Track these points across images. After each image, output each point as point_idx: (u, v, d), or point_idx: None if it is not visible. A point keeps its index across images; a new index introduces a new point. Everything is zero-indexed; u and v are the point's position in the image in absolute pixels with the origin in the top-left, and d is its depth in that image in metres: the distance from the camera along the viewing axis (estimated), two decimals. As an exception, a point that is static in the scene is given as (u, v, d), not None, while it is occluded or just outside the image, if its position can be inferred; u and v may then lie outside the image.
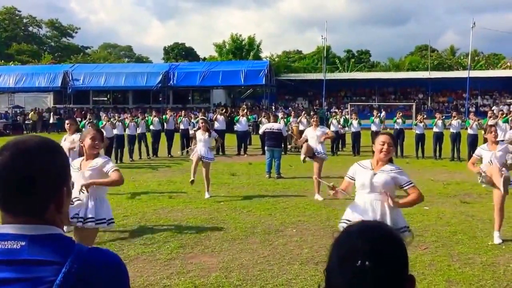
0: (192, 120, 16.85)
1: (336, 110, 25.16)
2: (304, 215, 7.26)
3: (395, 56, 53.38)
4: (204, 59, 52.33)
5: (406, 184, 3.84)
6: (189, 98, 37.19)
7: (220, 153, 16.31)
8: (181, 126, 16.50)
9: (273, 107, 31.43)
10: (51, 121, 29.25)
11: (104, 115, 22.52)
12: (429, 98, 39.60)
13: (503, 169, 5.73)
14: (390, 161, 3.94)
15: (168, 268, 4.96)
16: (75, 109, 32.06)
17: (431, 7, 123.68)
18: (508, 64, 44.86)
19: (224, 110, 19.62)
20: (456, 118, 14.83)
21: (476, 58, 44.97)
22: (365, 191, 3.84)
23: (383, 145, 3.84)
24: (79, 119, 18.72)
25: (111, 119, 14.90)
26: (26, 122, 30.12)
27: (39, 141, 1.18)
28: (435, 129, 14.89)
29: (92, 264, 1.09)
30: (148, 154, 15.20)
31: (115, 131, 14.02)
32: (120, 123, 14.53)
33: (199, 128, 9.34)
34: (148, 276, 4.73)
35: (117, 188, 7.59)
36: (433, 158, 14.72)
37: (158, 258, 5.24)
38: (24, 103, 34.91)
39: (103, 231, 6.35)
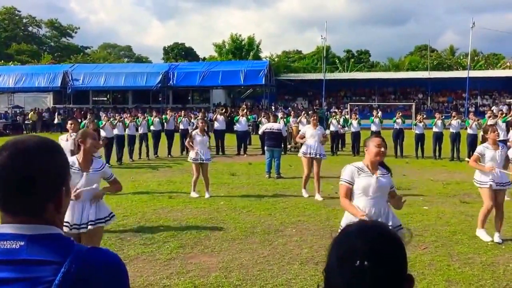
0: (192, 120, 16.86)
1: (336, 110, 25.16)
2: (304, 215, 7.26)
3: (394, 56, 53.46)
4: (204, 59, 52.33)
5: (392, 187, 3.98)
6: (189, 98, 37.20)
7: (220, 153, 16.33)
8: (181, 126, 16.51)
9: (273, 107, 31.42)
10: (55, 121, 29.19)
11: (104, 115, 22.53)
12: (429, 98, 39.62)
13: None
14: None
15: (168, 268, 4.96)
16: (75, 109, 32.06)
17: (431, 7, 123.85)
18: (508, 64, 44.89)
19: (224, 110, 19.62)
20: (455, 118, 14.83)
21: (475, 58, 44.99)
22: (368, 196, 3.80)
23: (380, 147, 3.82)
24: (79, 119, 18.71)
25: (111, 119, 14.89)
26: (26, 122, 30.12)
27: (38, 141, 1.18)
28: (435, 129, 14.89)
29: (92, 264, 1.09)
30: (147, 155, 15.19)
31: (115, 131, 14.02)
32: (121, 123, 14.54)
33: (196, 128, 9.29)
34: (148, 276, 4.73)
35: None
36: (432, 158, 14.72)
37: (158, 258, 5.25)
38: (23, 103, 34.91)
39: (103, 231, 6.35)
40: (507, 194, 8.50)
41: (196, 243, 5.83)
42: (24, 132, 28.14)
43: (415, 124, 15.59)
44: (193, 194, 8.80)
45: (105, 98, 38.51)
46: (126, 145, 14.63)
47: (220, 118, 16.86)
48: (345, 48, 58.70)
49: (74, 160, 4.08)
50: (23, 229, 1.11)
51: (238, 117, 16.98)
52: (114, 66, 36.08)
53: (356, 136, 16.12)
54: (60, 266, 1.06)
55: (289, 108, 30.13)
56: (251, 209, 7.66)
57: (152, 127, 15.79)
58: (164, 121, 16.52)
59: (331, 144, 16.45)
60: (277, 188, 9.77)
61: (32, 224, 1.12)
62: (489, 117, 14.06)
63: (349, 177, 3.83)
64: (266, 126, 11.96)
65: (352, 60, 51.28)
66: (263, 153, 12.61)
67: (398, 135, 15.61)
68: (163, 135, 16.21)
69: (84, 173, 4.10)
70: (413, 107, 31.67)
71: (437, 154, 14.82)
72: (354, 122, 16.28)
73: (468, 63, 34.66)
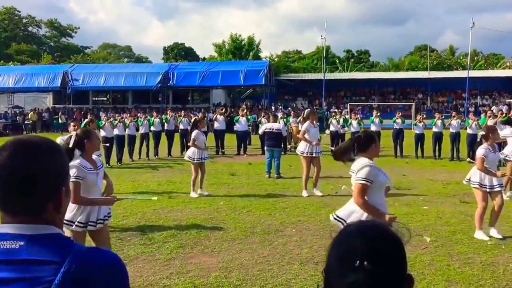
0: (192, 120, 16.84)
1: (336, 110, 25.15)
2: (304, 215, 7.26)
3: (394, 56, 53.48)
4: (204, 59, 52.35)
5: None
6: (189, 98, 37.19)
7: (220, 153, 16.33)
8: (181, 126, 16.50)
9: (273, 107, 31.43)
10: (60, 121, 29.11)
11: (104, 115, 22.52)
12: (429, 98, 39.62)
13: None
14: None
15: (167, 268, 4.96)
16: (75, 109, 32.05)
17: (431, 7, 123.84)
18: (508, 64, 44.88)
19: (223, 110, 19.62)
20: (455, 118, 14.83)
21: (475, 58, 45.00)
22: (383, 192, 3.92)
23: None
24: (80, 119, 18.70)
25: (111, 119, 14.89)
26: (26, 122, 30.11)
27: (38, 141, 1.18)
28: (435, 129, 14.89)
29: (91, 264, 1.09)
30: (147, 155, 15.18)
31: (115, 131, 14.02)
32: (121, 123, 14.54)
33: (194, 126, 9.22)
34: (148, 276, 4.74)
35: (117, 188, 7.58)
36: (432, 158, 14.72)
37: (158, 258, 5.25)
38: (23, 103, 34.89)
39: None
40: (508, 193, 8.57)
41: (196, 243, 5.84)
42: (24, 132, 28.13)
43: (415, 124, 15.59)
44: (193, 194, 8.81)
45: (105, 98, 38.50)
46: (126, 145, 14.63)
47: (220, 118, 16.87)
48: (345, 48, 58.83)
49: (83, 162, 3.98)
50: (23, 229, 1.11)
51: (238, 117, 16.99)
52: (114, 66, 36.08)
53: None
54: (60, 266, 1.06)
55: (289, 108, 30.14)
56: (251, 209, 7.66)
57: (152, 127, 15.79)
58: (164, 121, 16.52)
59: (331, 144, 16.44)
60: (277, 188, 9.77)
61: (32, 224, 1.12)
62: (489, 117, 14.06)
63: (373, 177, 3.79)
64: (266, 126, 11.96)
65: (352, 60, 51.29)
66: (263, 153, 12.61)
67: (398, 135, 15.61)
68: (163, 135, 16.21)
69: (98, 172, 4.12)
70: (413, 107, 31.67)
71: (437, 154, 14.82)
72: (354, 122, 16.29)
73: (468, 63, 34.66)
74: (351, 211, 3.93)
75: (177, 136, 16.46)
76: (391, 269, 1.04)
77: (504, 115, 14.37)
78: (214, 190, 9.42)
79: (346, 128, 17.33)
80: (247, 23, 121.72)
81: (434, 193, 9.10)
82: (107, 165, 12.66)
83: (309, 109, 10.44)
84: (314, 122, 9.58)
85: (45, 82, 31.80)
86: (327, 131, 17.58)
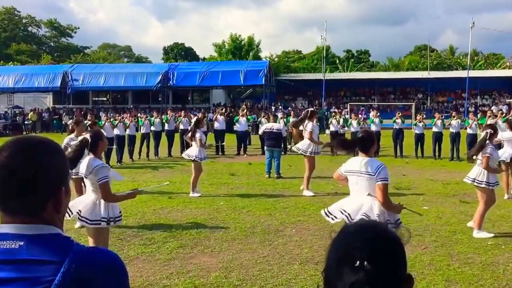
0: (192, 120, 16.82)
1: (336, 110, 25.16)
2: (304, 215, 7.26)
3: (394, 56, 53.42)
4: (204, 59, 52.35)
5: None
6: (189, 98, 37.18)
7: (220, 153, 16.32)
8: (181, 126, 16.50)
9: (273, 107, 31.43)
10: (63, 121, 28.97)
11: (104, 115, 22.51)
12: (429, 98, 39.61)
13: None
14: None
15: (168, 268, 4.96)
16: (75, 109, 32.05)
17: (431, 7, 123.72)
18: (507, 64, 44.85)
19: (223, 110, 19.63)
20: (455, 118, 14.83)
21: (475, 58, 44.99)
22: None
23: None
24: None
25: (111, 119, 14.89)
26: (26, 122, 30.10)
27: (38, 141, 1.18)
28: (435, 129, 14.89)
29: (92, 264, 1.09)
30: (147, 155, 15.18)
31: (115, 131, 14.02)
32: (121, 123, 14.54)
33: (196, 125, 9.26)
34: (148, 276, 4.74)
35: (116, 188, 7.60)
36: (432, 158, 14.72)
37: (158, 258, 5.25)
38: (23, 103, 34.88)
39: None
40: (506, 196, 8.60)
41: (196, 243, 5.84)
42: (24, 132, 28.12)
43: (415, 124, 15.59)
44: (195, 194, 8.83)
45: (105, 98, 38.49)
46: (126, 145, 14.63)
47: (220, 118, 16.87)
48: (345, 48, 58.83)
49: (99, 161, 4.21)
50: (23, 229, 1.11)
51: (238, 117, 16.99)
52: (114, 66, 36.06)
53: (356, 136, 16.11)
54: (59, 266, 1.06)
55: (289, 108, 30.14)
56: (251, 209, 7.66)
57: (152, 128, 15.80)
58: (165, 121, 16.52)
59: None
60: (277, 188, 9.77)
61: (31, 224, 1.12)
62: (489, 117, 14.06)
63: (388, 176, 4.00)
64: (266, 126, 11.96)
65: (352, 60, 51.29)
66: (263, 153, 12.61)
67: (398, 135, 15.61)
68: (163, 135, 16.21)
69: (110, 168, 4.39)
70: (413, 107, 31.67)
71: (437, 154, 14.82)
72: (354, 122, 16.29)
73: (468, 63, 34.67)
74: (360, 205, 4.00)
75: (177, 136, 16.46)
76: (391, 269, 1.04)
77: (504, 115, 14.38)
78: (214, 190, 9.43)
79: (346, 128, 17.33)
80: (247, 23, 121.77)
81: (434, 193, 9.10)
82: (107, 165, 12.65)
83: (310, 109, 10.45)
84: (315, 121, 9.74)
85: (45, 82, 31.78)
86: (327, 131, 17.58)
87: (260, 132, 13.00)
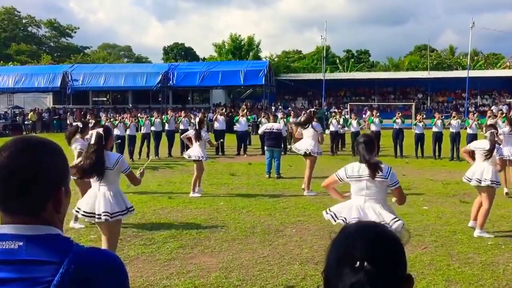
0: (192, 121, 16.84)
1: (336, 110, 25.17)
2: (304, 215, 7.27)
3: (394, 56, 53.44)
4: (204, 59, 52.36)
5: None
6: (189, 98, 37.18)
7: (220, 153, 16.32)
8: (181, 126, 16.50)
9: (273, 107, 31.44)
10: (68, 121, 28.92)
11: (104, 115, 22.51)
12: (429, 98, 39.61)
13: None
14: None
15: (168, 268, 4.96)
16: (75, 109, 32.04)
17: (430, 7, 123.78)
18: (507, 63, 44.83)
19: (223, 110, 19.62)
20: (455, 118, 14.83)
21: (475, 58, 44.97)
22: None
23: None
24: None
25: (111, 119, 14.89)
26: (26, 122, 30.10)
27: (37, 141, 1.18)
28: (435, 129, 14.89)
29: (91, 264, 1.09)
30: (148, 155, 15.17)
31: (116, 132, 14.02)
32: (122, 123, 14.52)
33: (200, 125, 9.33)
34: (148, 276, 4.74)
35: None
36: (432, 158, 14.72)
37: (158, 259, 5.25)
38: (23, 104, 34.87)
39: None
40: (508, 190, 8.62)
41: (196, 243, 5.84)
42: (24, 132, 28.11)
43: (415, 124, 15.59)
44: (195, 194, 8.84)
45: (105, 98, 38.49)
46: (127, 145, 14.63)
47: (220, 118, 16.86)
48: (344, 48, 58.83)
49: (116, 153, 4.91)
50: (22, 229, 1.11)
51: (238, 117, 16.99)
52: (114, 66, 36.06)
53: (356, 136, 16.11)
54: (58, 266, 1.06)
55: (289, 108, 30.14)
56: (251, 209, 7.66)
57: (153, 128, 15.80)
58: (165, 121, 16.52)
59: (331, 144, 16.45)
60: (277, 188, 9.77)
61: (31, 225, 1.12)
62: (489, 117, 14.06)
63: None
64: (266, 126, 11.97)
65: (352, 60, 51.29)
66: (263, 153, 12.62)
67: (398, 135, 15.61)
68: (163, 135, 16.21)
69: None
70: (413, 107, 31.67)
71: (437, 154, 14.82)
72: (354, 122, 16.29)
73: (468, 63, 34.66)
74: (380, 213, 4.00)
75: (177, 136, 16.44)
76: (391, 270, 1.04)
77: (504, 115, 14.37)
78: (214, 190, 9.43)
79: (346, 128, 17.34)
80: (247, 23, 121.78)
81: (434, 193, 9.10)
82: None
83: (312, 110, 10.46)
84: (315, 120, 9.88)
85: (45, 83, 31.77)
86: (327, 131, 17.58)
87: (260, 132, 13.00)
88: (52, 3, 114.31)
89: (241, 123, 16.58)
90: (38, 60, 48.19)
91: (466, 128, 14.45)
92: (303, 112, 19.22)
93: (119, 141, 13.06)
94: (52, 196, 1.16)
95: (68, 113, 30.10)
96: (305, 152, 9.29)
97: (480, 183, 6.13)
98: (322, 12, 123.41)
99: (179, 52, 56.64)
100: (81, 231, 6.46)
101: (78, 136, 7.24)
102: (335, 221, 4.11)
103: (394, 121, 15.81)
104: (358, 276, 1.00)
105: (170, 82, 31.23)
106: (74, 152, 6.96)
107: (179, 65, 34.08)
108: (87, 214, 4.51)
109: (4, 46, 54.73)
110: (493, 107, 28.37)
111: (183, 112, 18.67)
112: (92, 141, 4.46)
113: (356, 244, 1.04)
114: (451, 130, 14.68)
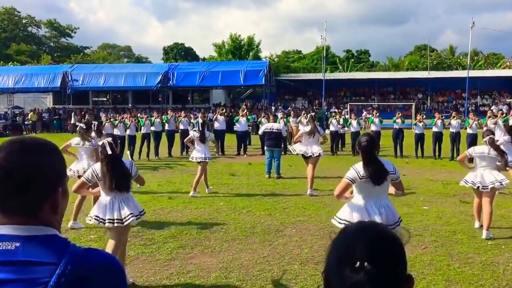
0: (192, 121, 16.84)
1: (336, 110, 25.18)
2: (304, 215, 7.26)
3: (394, 56, 53.47)
4: (204, 59, 52.35)
5: None
6: (189, 98, 37.17)
7: (220, 153, 16.32)
8: (181, 127, 16.50)
9: (273, 107, 31.44)
10: (72, 121, 28.76)
11: (104, 115, 22.49)
12: (429, 98, 39.60)
13: None
14: None
15: (168, 268, 4.96)
16: (74, 109, 32.03)
17: (430, 6, 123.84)
18: (508, 63, 44.82)
19: (223, 110, 19.63)
20: (455, 118, 14.83)
21: (475, 57, 44.95)
22: None
23: None
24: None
25: (111, 119, 14.90)
26: (26, 122, 30.09)
27: (34, 142, 1.18)
28: (435, 129, 14.89)
29: (88, 265, 1.09)
30: (148, 156, 15.18)
31: (116, 132, 14.01)
32: (122, 124, 14.51)
33: (203, 125, 9.37)
34: (148, 276, 4.74)
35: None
36: (432, 158, 14.72)
37: (158, 259, 5.25)
38: (23, 104, 34.86)
39: (104, 232, 6.36)
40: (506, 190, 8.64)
41: (196, 243, 5.84)
42: (24, 132, 28.10)
43: (415, 124, 15.59)
44: (195, 194, 8.90)
45: (105, 99, 38.47)
46: (127, 145, 14.62)
47: (220, 118, 16.87)
48: (344, 48, 58.86)
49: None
50: (19, 230, 1.11)
51: (238, 117, 16.99)
52: (114, 67, 36.04)
53: (356, 136, 16.10)
54: (56, 267, 1.06)
55: (289, 108, 30.13)
56: (251, 209, 7.66)
57: (152, 128, 15.80)
58: (165, 121, 16.52)
59: (331, 144, 16.45)
60: (277, 188, 9.77)
61: (28, 225, 1.12)
62: (489, 117, 14.05)
63: None
64: (266, 126, 11.96)
65: (352, 60, 51.28)
66: (263, 153, 12.61)
67: (398, 135, 15.61)
68: (163, 135, 16.21)
69: None
70: (413, 107, 31.66)
71: (437, 154, 14.82)
72: (354, 122, 16.30)
73: (468, 63, 34.64)
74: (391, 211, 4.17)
75: (177, 137, 16.45)
76: (391, 270, 1.04)
77: (504, 115, 14.36)
78: (214, 190, 9.42)
79: (346, 128, 17.34)
80: (247, 23, 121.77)
81: (434, 193, 9.10)
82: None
83: (311, 114, 10.45)
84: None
85: (45, 83, 31.75)
86: (327, 131, 17.58)
87: (260, 132, 13.02)
88: (52, 3, 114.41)
89: (241, 123, 16.58)
90: (38, 60, 48.16)
91: (466, 128, 14.46)
92: (303, 112, 19.21)
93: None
94: (49, 196, 1.15)
95: (73, 113, 29.99)
96: (313, 154, 9.35)
97: (487, 187, 6.17)
98: (322, 12, 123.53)
99: (179, 52, 56.62)
100: (81, 231, 6.46)
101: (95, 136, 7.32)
102: None
103: (394, 121, 15.81)
104: (358, 276, 1.00)
105: (170, 82, 31.22)
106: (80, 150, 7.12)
107: (179, 65, 34.06)
108: (107, 220, 4.45)
109: (4, 46, 54.73)
110: (493, 107, 28.36)
111: (183, 112, 18.66)
112: (109, 151, 4.44)
113: (356, 244, 1.04)
114: (451, 130, 14.68)
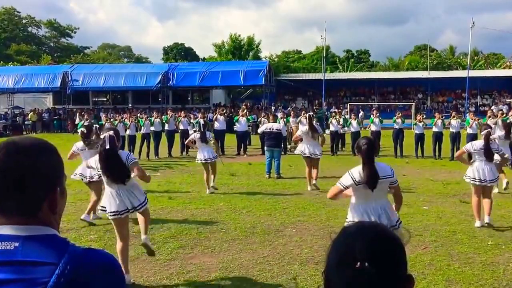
0: (192, 121, 16.83)
1: (336, 110, 25.17)
2: (304, 215, 7.26)
3: (394, 56, 53.43)
4: (204, 59, 52.34)
5: None
6: (189, 98, 37.16)
7: (220, 153, 16.31)
8: (181, 127, 16.50)
9: (273, 107, 31.43)
10: (77, 121, 28.58)
11: (104, 115, 22.48)
12: (429, 97, 39.59)
13: None
14: None
15: (168, 268, 4.96)
16: (75, 109, 32.02)
17: (430, 6, 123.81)
18: (508, 63, 44.81)
19: (224, 110, 19.63)
20: (455, 117, 14.83)
21: (475, 57, 44.93)
22: None
23: None
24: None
25: (111, 119, 14.90)
26: (26, 122, 30.09)
27: (32, 142, 1.18)
28: (435, 129, 14.89)
29: (87, 265, 1.08)
30: (147, 156, 15.18)
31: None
32: (121, 124, 14.51)
33: (205, 126, 9.44)
34: (148, 276, 4.74)
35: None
36: (432, 158, 14.72)
37: (158, 259, 5.25)
38: (23, 104, 34.85)
39: (104, 232, 6.36)
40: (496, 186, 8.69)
41: (196, 243, 5.84)
42: (24, 132, 28.09)
43: (415, 124, 15.60)
44: (212, 190, 9.21)
45: (105, 99, 38.46)
46: (127, 145, 14.62)
47: (221, 118, 16.87)
48: (344, 48, 58.83)
49: None
50: (18, 230, 1.11)
51: (238, 117, 16.99)
52: (114, 67, 36.03)
53: (356, 136, 16.09)
54: (55, 267, 1.06)
55: (289, 108, 30.12)
56: (251, 210, 7.66)
57: (152, 128, 15.80)
58: (165, 121, 16.53)
59: (331, 144, 16.45)
60: (277, 188, 9.77)
61: (27, 225, 1.12)
62: (489, 117, 14.05)
63: None
64: (266, 126, 11.96)
65: (352, 60, 51.28)
66: (263, 153, 12.61)
67: (398, 135, 15.61)
68: (163, 135, 16.21)
69: None
70: (413, 107, 31.66)
71: (437, 154, 14.82)
72: (354, 122, 16.30)
73: (468, 63, 34.63)
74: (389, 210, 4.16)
75: (177, 137, 16.45)
76: (391, 270, 1.04)
77: (504, 115, 14.37)
78: (214, 190, 9.42)
79: (346, 128, 17.35)
80: (247, 23, 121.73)
81: (434, 193, 9.10)
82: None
83: (310, 114, 10.46)
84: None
85: (45, 83, 31.74)
86: (327, 131, 17.58)
87: (259, 131, 13.02)
88: (52, 3, 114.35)
89: (241, 123, 16.58)
90: (38, 60, 48.15)
91: (466, 128, 14.45)
92: (303, 112, 19.20)
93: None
94: (48, 196, 1.15)
95: (78, 113, 29.84)
96: (314, 155, 9.52)
97: (494, 181, 6.50)
98: (322, 12, 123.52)
99: (179, 52, 56.61)
100: (81, 231, 6.45)
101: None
102: None
103: (394, 121, 15.81)
104: (358, 277, 1.00)
105: (170, 82, 31.20)
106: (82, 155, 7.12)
107: (179, 65, 34.05)
108: (117, 213, 4.64)
109: (4, 46, 54.72)
110: (493, 107, 28.36)
111: (182, 112, 18.66)
112: (107, 146, 4.51)
113: (356, 244, 1.04)
114: (451, 130, 14.68)
